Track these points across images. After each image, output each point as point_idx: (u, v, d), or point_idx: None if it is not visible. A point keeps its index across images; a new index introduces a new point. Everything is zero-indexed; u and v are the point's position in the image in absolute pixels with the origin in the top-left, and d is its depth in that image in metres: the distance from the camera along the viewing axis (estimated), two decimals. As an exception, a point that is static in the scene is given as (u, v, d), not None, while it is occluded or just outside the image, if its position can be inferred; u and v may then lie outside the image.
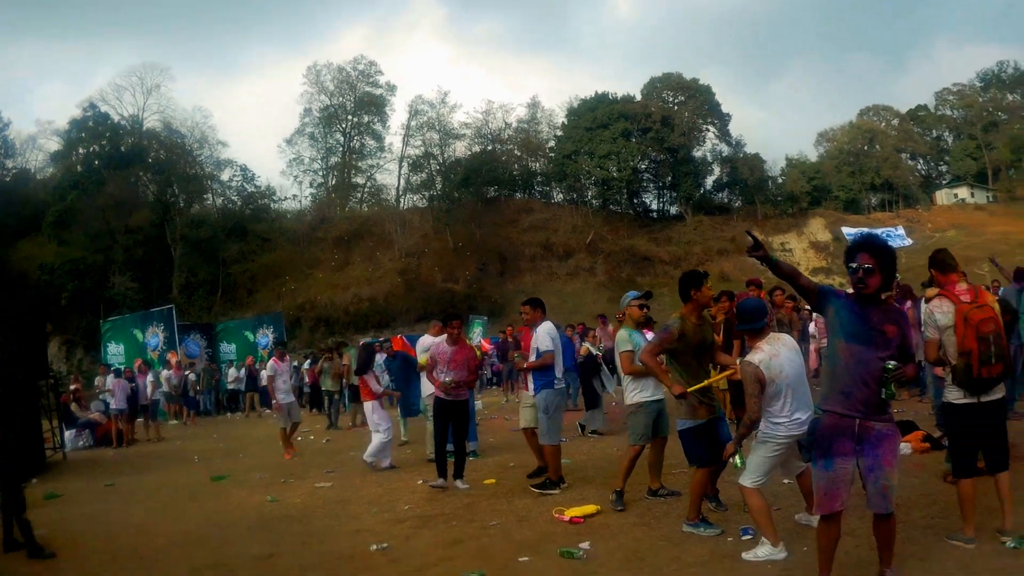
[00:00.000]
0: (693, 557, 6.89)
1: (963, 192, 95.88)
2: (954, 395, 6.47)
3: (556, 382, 10.19)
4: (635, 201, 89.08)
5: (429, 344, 12.83)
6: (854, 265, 5.44)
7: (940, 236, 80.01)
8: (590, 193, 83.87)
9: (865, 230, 79.89)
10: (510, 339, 25.86)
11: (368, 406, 13.26)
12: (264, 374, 19.44)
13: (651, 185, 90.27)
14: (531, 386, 10.48)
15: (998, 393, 6.43)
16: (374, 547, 8.07)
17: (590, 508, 8.77)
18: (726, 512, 8.17)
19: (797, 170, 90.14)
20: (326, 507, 10.45)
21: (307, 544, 8.62)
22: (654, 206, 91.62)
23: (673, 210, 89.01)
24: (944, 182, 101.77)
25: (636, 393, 8.87)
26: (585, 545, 7.46)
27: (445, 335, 11.17)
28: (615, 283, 67.91)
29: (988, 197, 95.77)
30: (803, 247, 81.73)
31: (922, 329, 6.50)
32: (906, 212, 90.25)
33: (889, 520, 5.59)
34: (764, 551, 6.63)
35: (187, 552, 8.54)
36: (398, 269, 67.38)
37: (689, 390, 7.52)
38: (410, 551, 7.96)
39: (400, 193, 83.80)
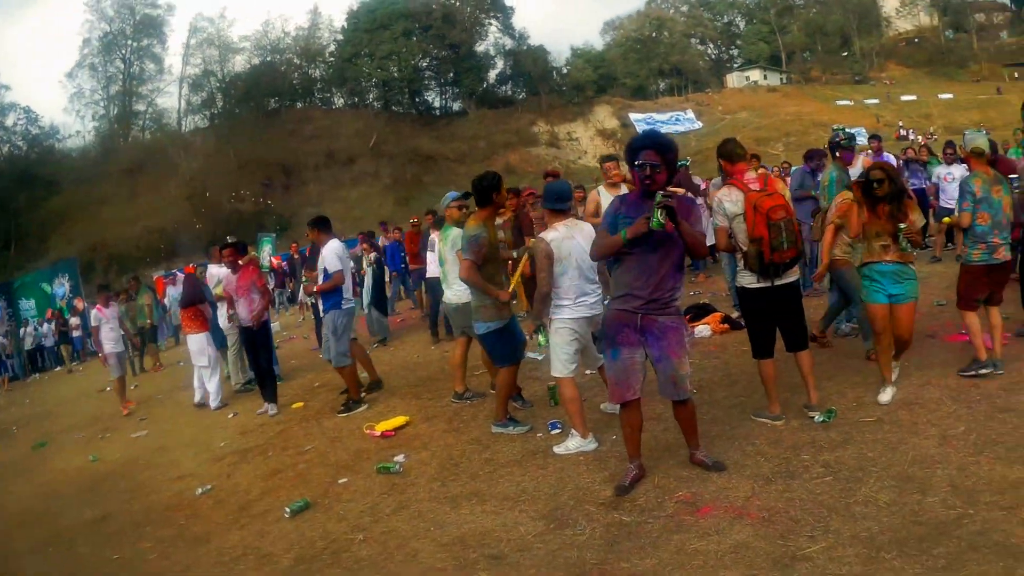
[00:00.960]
0: (505, 457, 7.18)
1: (755, 75, 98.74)
2: (747, 280, 6.60)
3: (344, 302, 10.09)
4: (417, 100, 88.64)
5: (217, 273, 12.87)
6: (639, 163, 5.58)
7: (731, 118, 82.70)
8: (372, 96, 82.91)
9: (652, 115, 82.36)
10: (295, 256, 25.58)
11: (196, 341, 12.45)
12: (87, 324, 18.13)
13: (433, 83, 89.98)
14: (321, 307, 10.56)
15: (791, 277, 6.58)
16: (199, 491, 8.15)
17: (399, 420, 8.94)
18: (532, 409, 8.49)
19: (583, 59, 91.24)
20: (146, 457, 10.38)
21: (135, 499, 8.58)
22: (437, 104, 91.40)
23: (456, 106, 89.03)
24: (736, 66, 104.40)
25: (463, 292, 8.66)
26: (400, 458, 7.71)
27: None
28: (401, 185, 67.81)
29: (781, 79, 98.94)
30: (590, 135, 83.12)
31: (718, 218, 6.59)
32: (696, 96, 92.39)
33: (687, 405, 5.92)
34: (575, 443, 6.94)
35: (25, 532, 8.38)
36: (185, 195, 65.02)
37: (510, 290, 7.83)
38: (233, 489, 8.07)
39: (182, 115, 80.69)
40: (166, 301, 24.35)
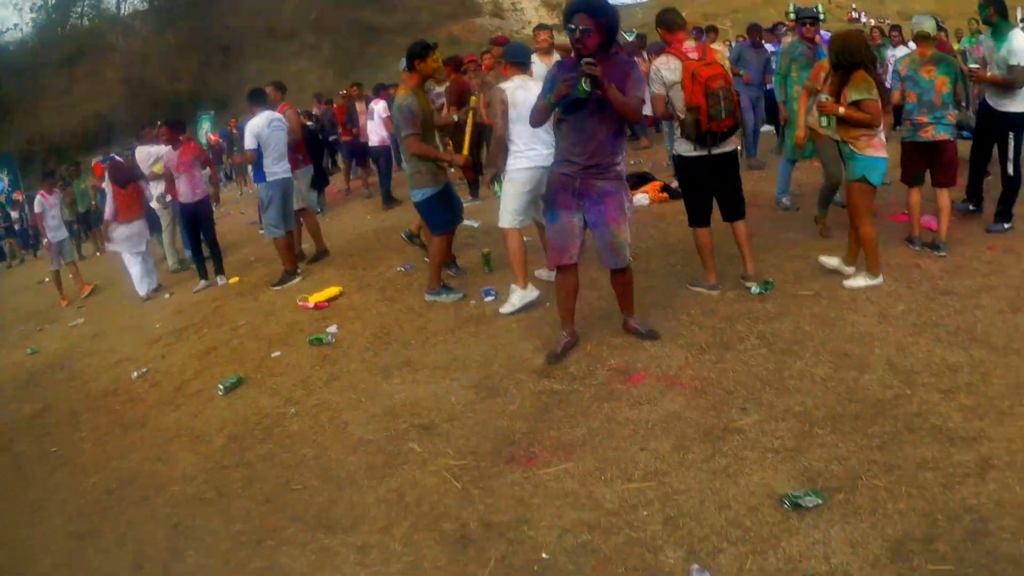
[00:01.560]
0: (438, 326, 7.11)
1: None
2: (684, 148, 6.52)
3: (269, 175, 9.86)
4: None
5: (153, 151, 12.52)
6: (572, 26, 5.43)
7: None
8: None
9: None
10: (234, 131, 24.95)
11: (137, 225, 11.87)
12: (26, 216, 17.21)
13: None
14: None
15: (729, 146, 6.52)
16: (135, 375, 8.01)
17: (333, 291, 8.83)
18: (466, 276, 8.40)
19: None
20: (84, 345, 10.16)
21: (73, 388, 8.44)
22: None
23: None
24: None
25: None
26: (332, 329, 7.63)
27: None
28: (342, 58, 66.37)
29: None
30: (535, 5, 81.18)
31: (655, 86, 6.44)
32: None
33: (624, 274, 5.87)
34: (517, 297, 6.96)
35: None
36: (121, 79, 63.17)
37: (464, 153, 7.75)
38: (168, 369, 7.94)
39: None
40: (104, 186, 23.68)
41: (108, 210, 12.41)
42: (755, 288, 6.60)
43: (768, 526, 3.66)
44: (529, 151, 6.70)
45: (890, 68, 13.77)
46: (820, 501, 3.71)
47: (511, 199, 6.85)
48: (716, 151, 6.37)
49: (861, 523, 3.56)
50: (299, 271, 10.08)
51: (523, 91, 6.68)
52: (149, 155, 12.69)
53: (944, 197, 7.30)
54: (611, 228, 5.63)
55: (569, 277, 5.86)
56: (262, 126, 9.85)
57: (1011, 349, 5.17)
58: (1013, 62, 7.32)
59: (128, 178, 12.02)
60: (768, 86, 12.15)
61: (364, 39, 70.74)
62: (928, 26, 7.53)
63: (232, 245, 13.85)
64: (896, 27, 14.84)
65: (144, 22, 70.19)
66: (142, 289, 11.63)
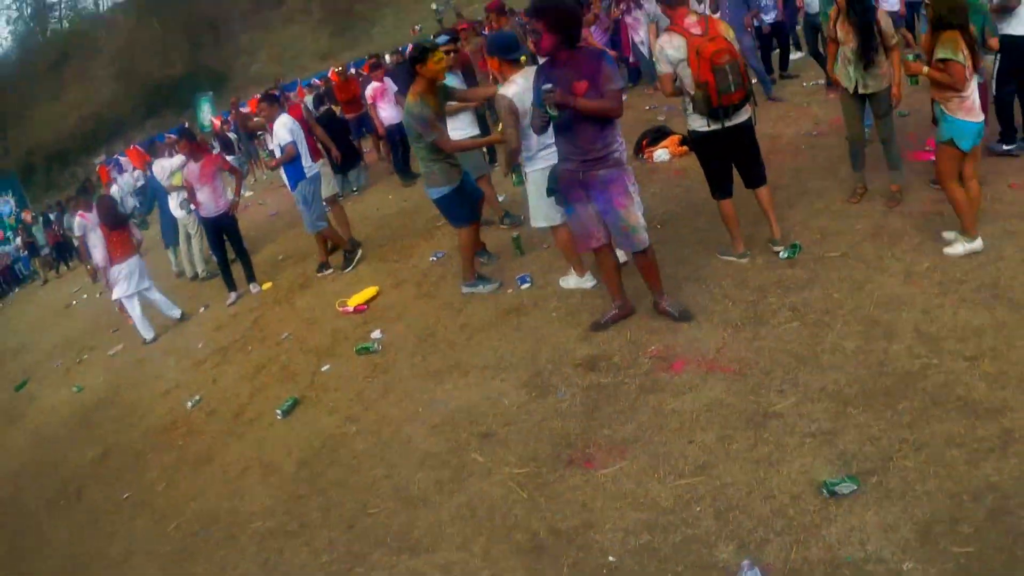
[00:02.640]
0: (480, 320, 7.47)
1: None
2: (697, 123, 6.61)
3: (307, 170, 10.27)
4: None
5: (169, 164, 12.87)
6: (531, 29, 5.75)
7: None
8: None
9: None
10: (234, 111, 24.66)
11: (132, 264, 11.17)
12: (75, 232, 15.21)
13: None
14: (287, 182, 10.71)
15: (743, 116, 6.58)
16: (189, 404, 8.37)
17: (370, 292, 9.14)
18: (499, 262, 8.73)
19: None
20: (128, 374, 10.45)
21: (130, 425, 8.73)
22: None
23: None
24: None
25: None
26: (377, 334, 7.98)
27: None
28: (335, 17, 65.51)
29: None
30: None
31: (662, 64, 6.52)
32: None
33: (645, 254, 6.11)
34: (572, 281, 7.41)
35: (32, 488, 8.46)
36: (112, 74, 63.03)
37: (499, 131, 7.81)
38: (221, 395, 8.32)
39: (98, -3, 77.30)
40: (114, 190, 23.63)
41: (100, 255, 12.14)
42: (783, 253, 6.82)
43: (809, 514, 4.04)
44: (542, 150, 6.91)
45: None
46: (855, 487, 4.08)
47: (538, 199, 7.06)
48: (729, 124, 6.50)
49: (893, 507, 3.93)
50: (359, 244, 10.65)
51: (529, 92, 6.72)
52: (164, 169, 13.03)
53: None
54: (620, 213, 5.94)
55: (605, 257, 6.27)
56: (292, 122, 10.24)
57: None
58: None
59: (118, 220, 11.43)
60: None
61: (353, -6, 70.02)
62: None
63: (255, 242, 13.97)
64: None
65: (126, 14, 69.59)
66: (147, 333, 11.38)
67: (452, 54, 9.35)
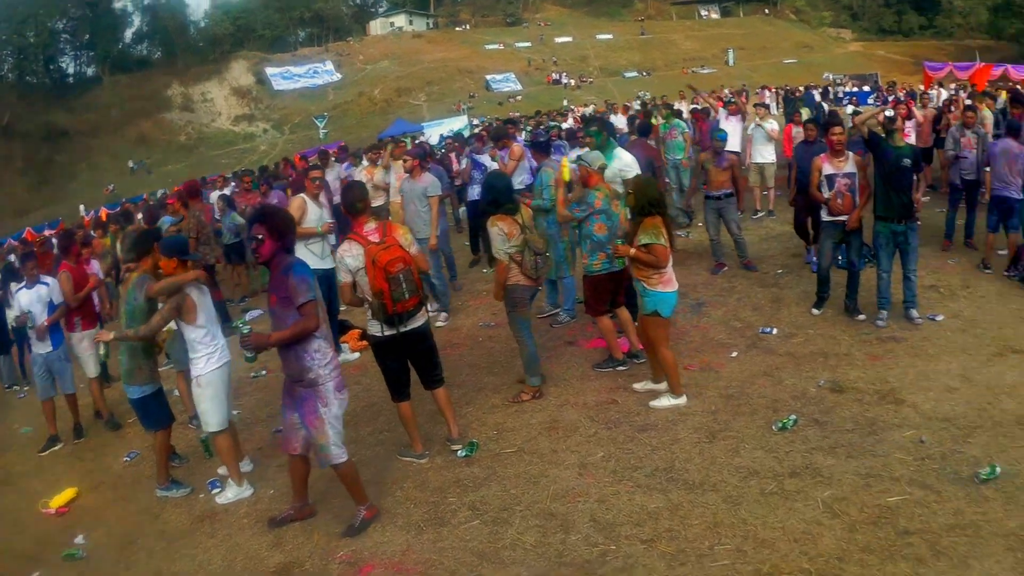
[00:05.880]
0: (176, 526, 7.51)
1: (401, 20, 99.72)
2: (375, 329, 7.02)
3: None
4: (51, 68, 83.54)
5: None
6: (251, 235, 6.20)
7: (372, 68, 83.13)
8: (6, 66, 77.18)
9: (290, 68, 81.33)
10: None
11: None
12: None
13: (68, 47, 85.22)
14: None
15: (418, 321, 7.07)
16: None
17: (69, 493, 8.91)
18: (189, 464, 8.87)
19: (222, 11, 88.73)
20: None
21: None
22: (71, 71, 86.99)
23: (91, 72, 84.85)
24: (381, 11, 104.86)
25: None
26: (80, 540, 7.79)
27: None
28: (35, 167, 63.81)
29: (428, 24, 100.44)
30: (225, 94, 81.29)
31: (342, 273, 6.89)
32: (337, 46, 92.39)
33: (338, 469, 6.49)
34: (232, 492, 7.65)
35: None
36: None
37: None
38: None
39: None
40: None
41: None
42: (461, 452, 7.40)
43: None
44: (216, 347, 7.43)
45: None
46: None
47: (210, 402, 7.43)
48: (405, 329, 7.01)
49: None
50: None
51: (204, 297, 7.44)
52: None
53: (624, 311, 8.65)
54: (311, 431, 6.37)
55: (294, 465, 6.69)
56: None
57: (708, 485, 6.15)
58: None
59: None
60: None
61: (56, 145, 67.87)
62: (604, 162, 8.73)
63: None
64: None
65: None
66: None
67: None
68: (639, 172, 9.10)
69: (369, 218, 7.03)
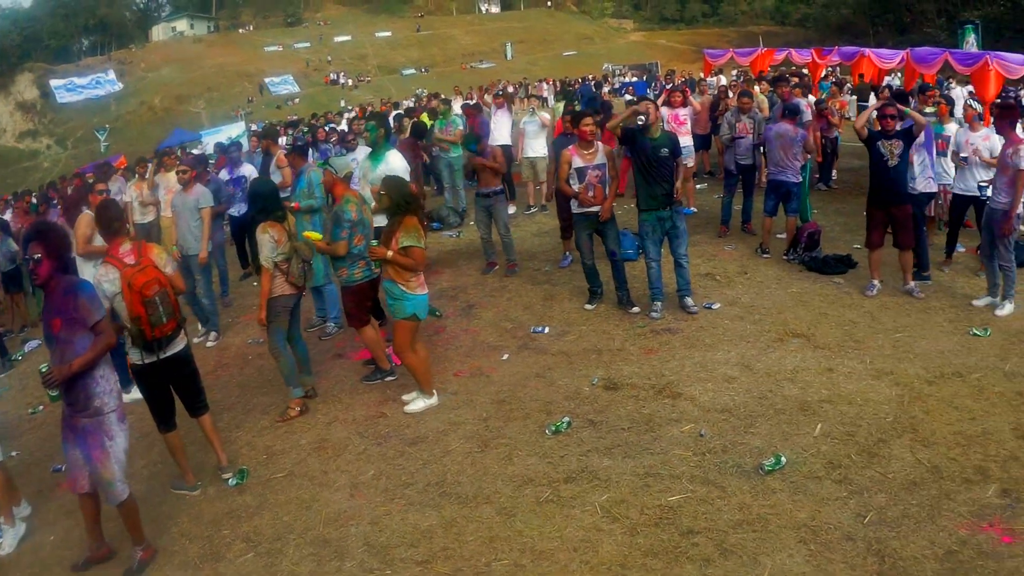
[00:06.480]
0: None
1: (182, 25, 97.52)
2: (135, 357, 6.73)
3: None
4: None
5: None
6: (27, 257, 5.79)
7: (155, 75, 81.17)
8: None
9: (74, 80, 78.65)
10: None
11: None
12: None
13: None
14: None
15: (179, 346, 6.84)
16: None
17: None
18: None
19: (9, 21, 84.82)
20: None
21: None
22: None
23: None
24: (164, 16, 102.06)
25: None
26: None
27: None
28: None
29: (209, 27, 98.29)
30: (10, 110, 78.06)
31: (101, 299, 6.26)
32: (119, 54, 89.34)
33: (122, 507, 6.09)
34: (9, 539, 6.91)
35: None
36: None
37: None
38: None
39: None
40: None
41: None
42: (232, 480, 7.18)
43: None
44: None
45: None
46: None
47: None
48: (164, 355, 6.76)
49: None
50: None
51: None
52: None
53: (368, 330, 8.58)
54: (96, 466, 5.94)
55: (85, 504, 6.21)
56: None
57: (482, 497, 6.15)
58: None
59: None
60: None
61: None
62: (349, 168, 8.74)
63: None
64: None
65: None
66: None
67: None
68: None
69: (125, 239, 6.76)
